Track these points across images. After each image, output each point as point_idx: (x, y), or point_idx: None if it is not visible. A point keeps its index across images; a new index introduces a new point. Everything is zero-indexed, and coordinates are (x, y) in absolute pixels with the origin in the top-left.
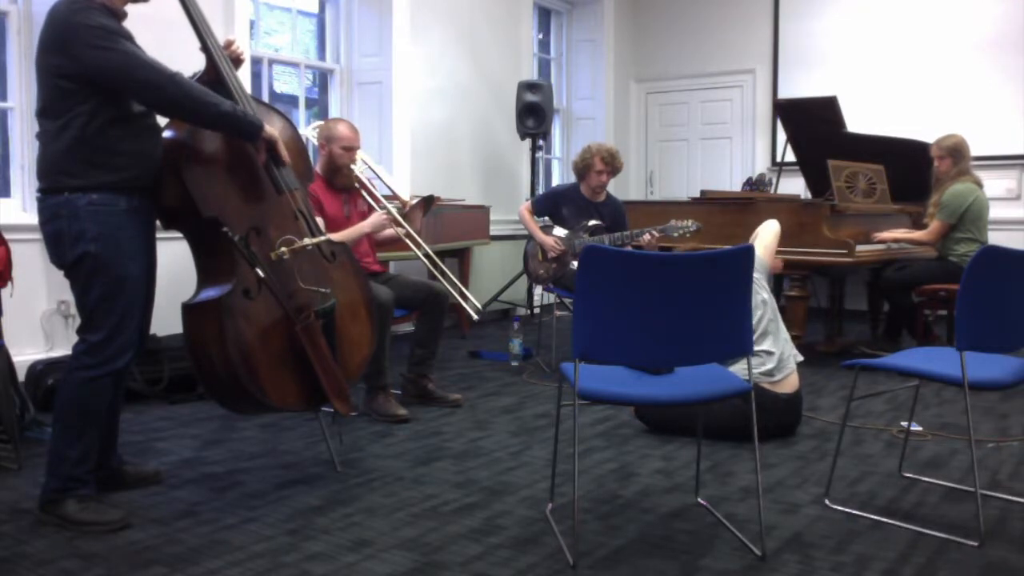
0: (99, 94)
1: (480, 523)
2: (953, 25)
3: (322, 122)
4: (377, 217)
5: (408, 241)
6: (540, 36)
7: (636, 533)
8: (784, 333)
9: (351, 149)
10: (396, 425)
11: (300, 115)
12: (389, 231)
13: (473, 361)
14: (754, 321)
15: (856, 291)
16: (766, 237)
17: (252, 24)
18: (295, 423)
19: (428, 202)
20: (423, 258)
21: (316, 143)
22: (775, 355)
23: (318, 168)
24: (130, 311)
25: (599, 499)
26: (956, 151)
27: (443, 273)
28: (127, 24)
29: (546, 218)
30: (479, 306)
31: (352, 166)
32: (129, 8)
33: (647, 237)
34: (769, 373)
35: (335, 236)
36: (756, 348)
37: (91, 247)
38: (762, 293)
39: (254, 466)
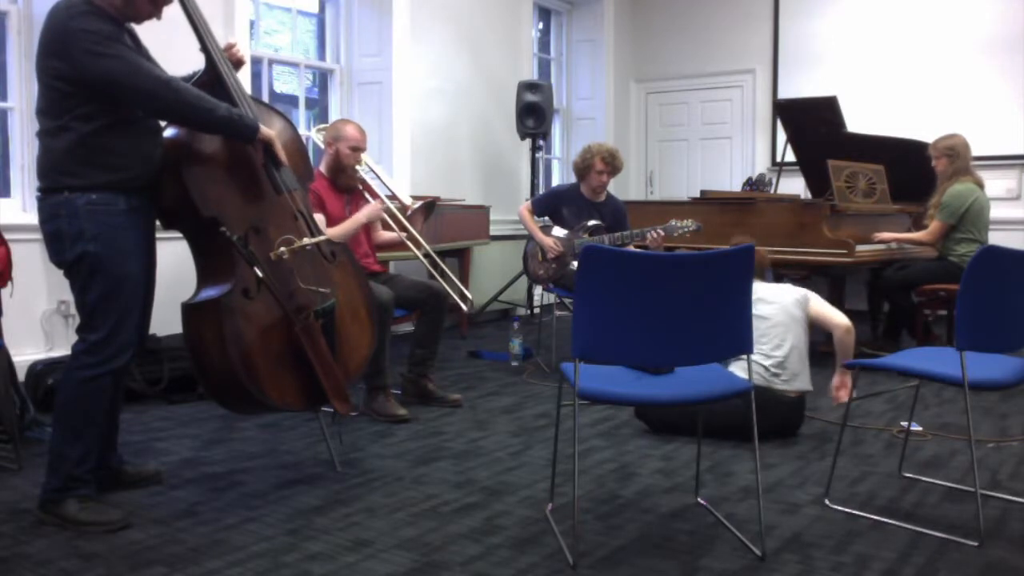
0: (98, 96)
1: (480, 523)
2: (953, 25)
3: (327, 124)
4: (372, 207)
5: (408, 242)
6: (540, 35)
7: (636, 533)
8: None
9: (358, 150)
10: (396, 425)
11: (300, 115)
12: (391, 233)
13: (473, 361)
14: (768, 326)
15: (856, 291)
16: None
17: (252, 24)
18: (295, 423)
19: (430, 208)
20: (423, 258)
21: (318, 144)
22: (788, 367)
23: (322, 167)
24: (129, 310)
25: (599, 499)
26: (951, 151)
27: (443, 273)
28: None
29: (546, 218)
30: (469, 296)
31: (356, 166)
32: None
33: (652, 235)
34: (776, 374)
35: (333, 230)
36: (775, 353)
37: (90, 246)
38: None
39: (254, 466)
